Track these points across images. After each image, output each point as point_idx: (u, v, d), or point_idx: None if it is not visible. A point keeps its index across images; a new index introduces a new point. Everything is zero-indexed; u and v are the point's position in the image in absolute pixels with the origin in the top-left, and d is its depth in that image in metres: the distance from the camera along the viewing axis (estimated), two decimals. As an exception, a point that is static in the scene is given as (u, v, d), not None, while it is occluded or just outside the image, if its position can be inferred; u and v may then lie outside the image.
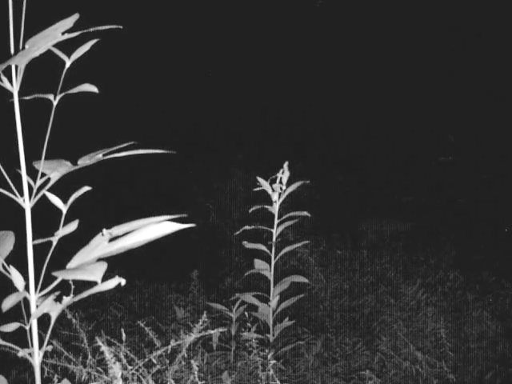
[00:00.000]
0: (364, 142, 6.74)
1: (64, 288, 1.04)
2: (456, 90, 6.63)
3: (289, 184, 2.45)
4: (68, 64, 1.02)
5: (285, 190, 2.46)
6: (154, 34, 7.00)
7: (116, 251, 0.91)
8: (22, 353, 1.01)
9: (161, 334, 3.00)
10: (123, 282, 0.86)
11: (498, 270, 4.03)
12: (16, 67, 0.96)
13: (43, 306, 0.98)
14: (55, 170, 1.00)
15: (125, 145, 1.02)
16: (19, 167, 0.98)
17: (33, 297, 0.99)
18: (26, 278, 1.00)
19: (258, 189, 2.48)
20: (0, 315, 0.98)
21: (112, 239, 0.94)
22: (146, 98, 6.92)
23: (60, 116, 1.11)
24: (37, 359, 1.02)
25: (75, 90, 1.01)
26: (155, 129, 6.51)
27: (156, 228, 0.92)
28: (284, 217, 2.48)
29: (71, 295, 1.01)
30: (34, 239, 0.99)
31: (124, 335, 2.01)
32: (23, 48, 0.91)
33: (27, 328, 1.01)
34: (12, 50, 0.96)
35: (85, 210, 1.66)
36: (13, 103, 0.97)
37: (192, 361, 2.00)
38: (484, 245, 4.54)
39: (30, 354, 1.02)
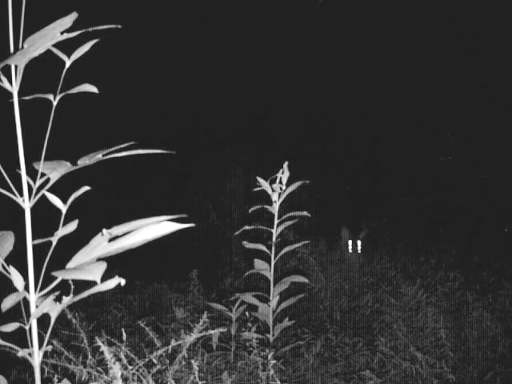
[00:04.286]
0: (364, 143, 6.74)
1: (64, 288, 1.04)
2: (456, 91, 6.63)
3: (289, 184, 2.45)
4: (68, 64, 1.02)
5: (285, 190, 2.46)
6: (154, 34, 7.00)
7: (115, 251, 0.91)
8: (21, 353, 1.01)
9: (161, 334, 3.00)
10: (123, 282, 0.86)
11: (498, 270, 4.03)
12: (16, 67, 0.96)
13: (43, 305, 0.98)
14: (55, 170, 1.00)
15: (125, 145, 1.02)
16: (19, 167, 0.98)
17: (32, 297, 0.99)
18: (26, 278, 1.00)
19: (257, 189, 2.48)
20: (0, 315, 0.98)
21: (112, 239, 0.94)
22: (146, 99, 6.92)
23: (60, 116, 1.11)
24: (37, 359, 1.02)
25: (75, 90, 1.01)
26: (155, 129, 6.51)
27: (155, 228, 0.92)
28: (284, 217, 2.48)
29: (71, 295, 1.01)
30: (33, 239, 0.99)
31: (124, 335, 2.01)
32: (22, 47, 0.91)
33: (27, 328, 1.01)
34: (12, 50, 0.96)
35: (85, 210, 1.66)
36: (12, 103, 0.97)
37: (192, 361, 2.00)
38: (484, 245, 4.54)
39: (29, 354, 1.02)
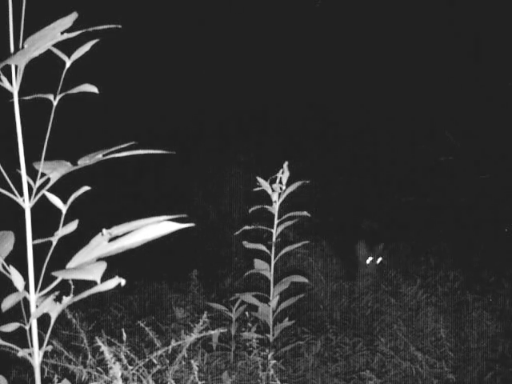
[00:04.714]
0: (364, 142, 6.74)
1: (64, 288, 1.04)
2: (456, 90, 6.63)
3: (289, 184, 2.45)
4: (68, 64, 1.02)
5: (285, 190, 2.46)
6: (153, 34, 7.00)
7: (115, 251, 0.91)
8: (21, 353, 1.01)
9: (161, 334, 3.01)
10: (123, 282, 0.86)
11: (498, 269, 4.03)
12: (16, 67, 0.96)
13: (43, 305, 0.98)
14: (55, 170, 1.00)
15: (125, 145, 1.02)
16: (19, 167, 0.98)
17: (32, 297, 0.99)
18: (26, 278, 1.00)
19: (257, 189, 2.48)
20: (0, 315, 0.98)
21: (112, 239, 0.94)
22: (146, 99, 6.92)
23: (60, 116, 1.11)
24: (37, 359, 1.02)
25: (75, 91, 1.01)
26: (155, 129, 6.51)
27: (155, 228, 0.92)
28: (284, 217, 2.48)
29: (71, 295, 1.01)
30: (33, 239, 0.99)
31: (124, 335, 2.01)
32: (22, 47, 0.91)
33: (27, 328, 1.01)
34: (12, 50, 0.96)
35: (85, 210, 1.66)
36: (13, 103, 0.97)
37: (192, 361, 2.00)
38: (484, 245, 4.54)
39: (29, 354, 1.02)
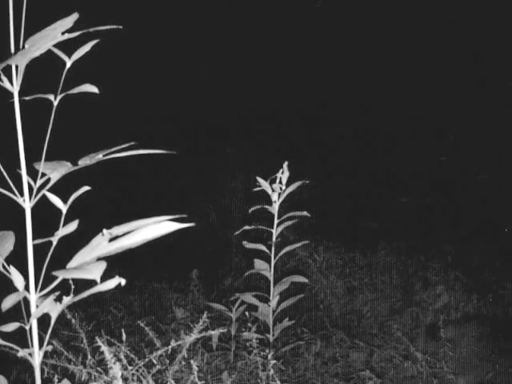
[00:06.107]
0: (364, 142, 6.74)
1: (64, 288, 1.05)
2: (456, 90, 6.63)
3: (289, 184, 2.45)
4: (69, 64, 1.02)
5: (284, 190, 2.46)
6: (153, 34, 7.01)
7: (115, 251, 0.91)
8: (21, 353, 1.01)
9: (161, 334, 3.01)
10: (123, 282, 0.86)
11: (498, 269, 4.03)
12: (16, 67, 0.96)
13: (43, 305, 0.98)
14: (55, 171, 1.00)
15: (125, 145, 1.02)
16: (19, 167, 0.98)
17: (33, 297, 0.99)
18: (26, 278, 1.00)
19: (257, 189, 2.48)
20: (0, 315, 0.98)
21: (112, 239, 0.94)
22: (146, 99, 6.92)
23: (61, 116, 1.11)
24: (37, 359, 1.02)
25: (76, 91, 1.01)
26: (155, 129, 6.51)
27: (155, 228, 0.92)
28: (284, 217, 2.48)
29: (71, 295, 1.02)
30: (34, 239, 0.99)
31: (124, 335, 2.01)
32: (23, 47, 0.91)
33: (27, 328, 1.01)
34: (12, 50, 0.96)
35: (85, 210, 1.66)
36: (13, 103, 0.97)
37: (192, 361, 2.00)
38: (484, 245, 4.54)
39: (30, 354, 1.02)
